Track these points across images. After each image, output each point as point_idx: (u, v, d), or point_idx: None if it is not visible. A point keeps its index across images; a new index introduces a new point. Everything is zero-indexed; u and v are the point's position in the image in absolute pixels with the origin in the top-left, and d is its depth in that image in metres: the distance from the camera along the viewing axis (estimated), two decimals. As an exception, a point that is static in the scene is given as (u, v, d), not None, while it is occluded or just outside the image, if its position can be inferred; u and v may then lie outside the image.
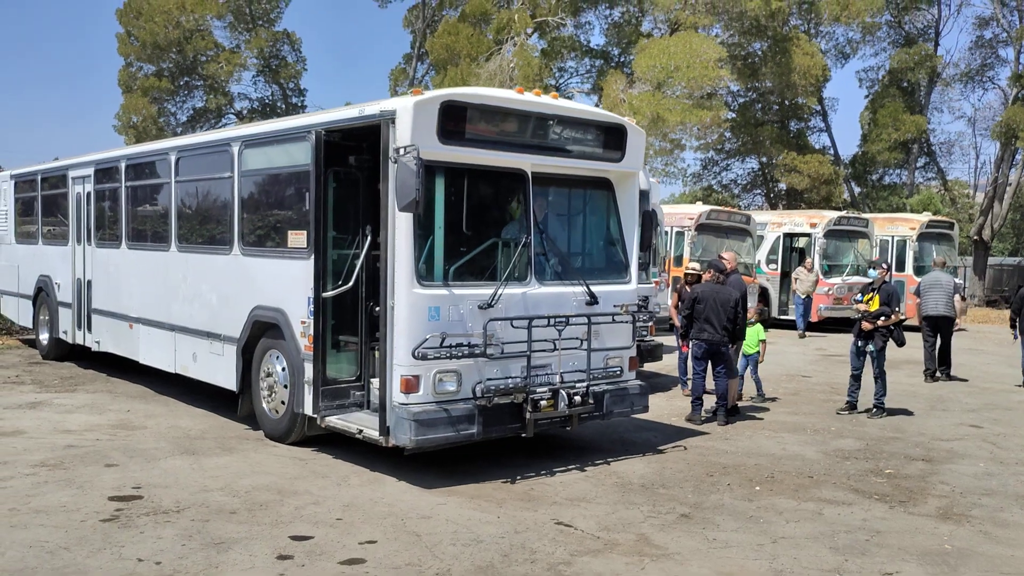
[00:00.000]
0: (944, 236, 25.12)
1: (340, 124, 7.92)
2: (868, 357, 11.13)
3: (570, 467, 8.08)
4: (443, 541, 5.99)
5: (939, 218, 26.77)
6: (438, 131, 7.23)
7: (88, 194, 12.71)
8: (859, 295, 11.40)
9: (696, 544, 6.11)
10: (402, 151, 6.86)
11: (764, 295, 23.16)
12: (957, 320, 14.78)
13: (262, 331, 8.94)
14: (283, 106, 43.69)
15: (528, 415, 7.58)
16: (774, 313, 23.54)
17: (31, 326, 14.75)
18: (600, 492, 7.32)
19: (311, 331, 7.97)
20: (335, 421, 7.90)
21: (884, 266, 11.66)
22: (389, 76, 43.38)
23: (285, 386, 8.57)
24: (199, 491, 7.02)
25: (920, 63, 38.06)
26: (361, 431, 7.55)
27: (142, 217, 11.58)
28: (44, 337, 14.22)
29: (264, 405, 8.97)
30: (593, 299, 8.26)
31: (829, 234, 22.88)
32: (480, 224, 8.07)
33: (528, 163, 8.03)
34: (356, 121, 7.68)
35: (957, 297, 14.62)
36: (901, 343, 11.22)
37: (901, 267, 24.07)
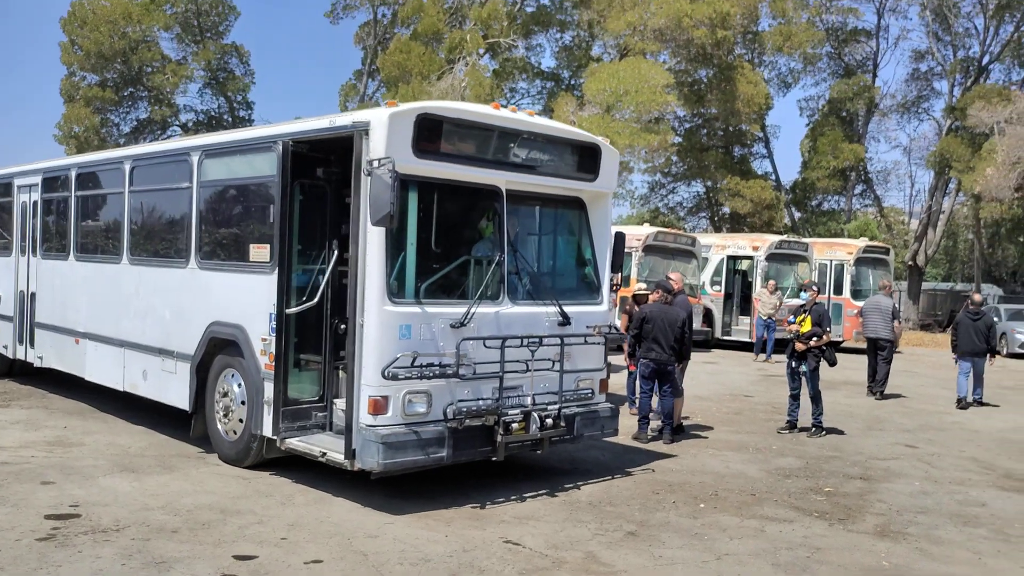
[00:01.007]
0: (880, 261, 25.87)
1: (308, 135, 7.70)
2: (803, 377, 11.40)
3: (521, 486, 8.09)
4: (390, 560, 5.95)
5: (875, 244, 27.57)
6: (413, 144, 7.08)
7: (35, 203, 12.28)
8: (792, 317, 11.68)
9: (642, 561, 6.17)
10: (376, 164, 6.67)
11: (708, 316, 23.57)
12: (895, 343, 15.34)
13: (219, 348, 8.63)
14: (229, 119, 43.23)
15: (499, 438, 7.39)
16: (717, 334, 23.96)
17: None
18: (548, 510, 7.34)
19: (272, 348, 7.70)
20: (296, 443, 7.62)
21: (815, 288, 11.96)
22: (339, 92, 43.38)
23: (243, 404, 8.26)
24: (139, 509, 6.87)
25: (858, 94, 39.27)
26: (324, 454, 7.27)
27: (92, 228, 11.23)
28: None
29: (219, 426, 8.62)
30: (566, 320, 8.12)
31: (770, 257, 23.44)
32: (452, 241, 7.96)
33: (503, 180, 7.91)
34: (326, 132, 7.48)
35: (896, 322, 15.25)
36: (832, 363, 11.57)
37: (839, 290, 24.73)
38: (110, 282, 10.44)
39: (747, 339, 23.52)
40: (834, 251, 25.47)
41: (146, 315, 9.72)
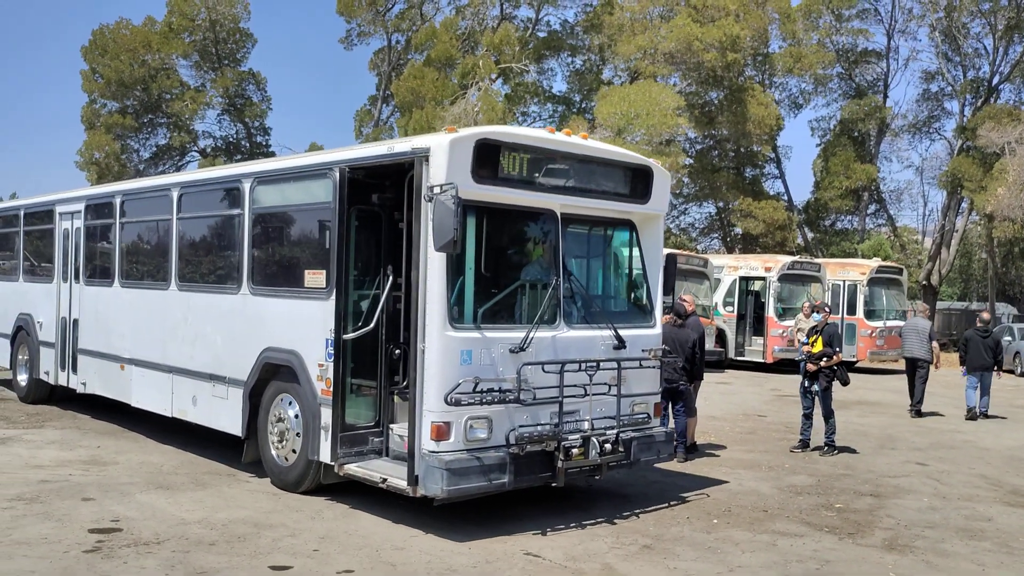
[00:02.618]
0: (893, 281, 26.02)
1: (366, 161, 7.75)
2: (816, 396, 11.64)
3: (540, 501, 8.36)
4: (418, 571, 6.25)
5: (888, 264, 27.73)
6: (472, 170, 7.06)
7: (77, 230, 12.31)
8: (804, 337, 11.94)
9: (658, 572, 6.45)
10: (438, 189, 6.68)
11: (721, 336, 23.79)
12: (934, 363, 15.93)
13: (272, 374, 8.60)
14: (247, 145, 43.97)
15: (560, 463, 7.31)
16: (730, 354, 24.15)
17: (8, 366, 14.16)
18: (566, 524, 7.61)
19: (329, 374, 7.70)
20: (355, 469, 7.55)
21: (827, 309, 12.22)
22: (355, 117, 44.01)
23: (297, 433, 8.22)
24: (177, 524, 7.20)
25: (870, 114, 39.60)
26: (385, 480, 7.21)
27: (138, 254, 11.25)
28: (23, 378, 13.62)
29: (273, 452, 8.57)
30: (621, 343, 8.06)
31: (783, 278, 23.66)
32: (508, 265, 8.02)
33: (557, 203, 7.90)
34: (384, 158, 7.53)
35: (934, 343, 15.83)
36: (845, 383, 11.79)
37: (852, 311, 24.85)
38: (157, 308, 10.44)
39: (760, 359, 23.71)
40: (847, 271, 25.64)
41: (195, 341, 9.69)
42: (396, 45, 42.66)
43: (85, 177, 39.30)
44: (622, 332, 8.13)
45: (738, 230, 41.30)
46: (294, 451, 8.31)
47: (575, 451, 7.42)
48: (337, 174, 7.79)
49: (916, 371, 15.92)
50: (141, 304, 10.82)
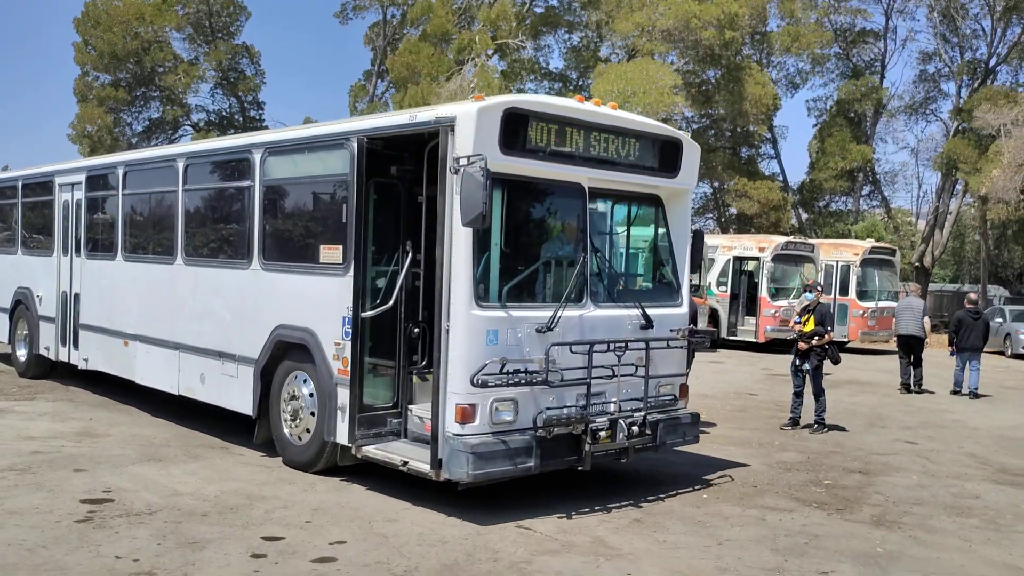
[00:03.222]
0: (886, 262, 26.08)
1: (386, 131, 7.46)
2: (806, 375, 11.70)
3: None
4: (410, 542, 6.29)
5: (882, 245, 27.78)
6: (500, 140, 6.77)
7: (78, 202, 12.02)
8: (797, 317, 11.99)
9: (648, 545, 6.50)
10: (466, 161, 6.44)
11: (714, 316, 23.86)
12: (926, 339, 16.65)
13: (284, 352, 8.37)
14: (240, 119, 43.69)
15: (587, 447, 7.14)
16: (723, 334, 24.22)
17: (7, 341, 13.92)
18: (557, 498, 7.66)
19: (346, 353, 7.48)
20: (374, 451, 7.37)
21: (819, 288, 12.28)
22: (349, 92, 43.76)
23: (312, 412, 8.01)
24: (169, 495, 7.23)
25: (866, 95, 39.46)
26: (406, 463, 7.03)
27: (143, 228, 10.97)
28: (22, 353, 13.41)
29: (285, 430, 8.33)
30: (648, 323, 7.87)
31: (776, 258, 23.69)
32: (534, 241, 7.79)
33: (585, 177, 7.63)
34: (406, 128, 7.24)
35: (926, 319, 16.48)
36: (836, 361, 11.88)
37: (845, 291, 24.93)
38: (163, 283, 10.16)
39: (752, 339, 23.79)
40: (840, 252, 25.69)
41: (203, 317, 9.44)
42: (391, 19, 42.36)
43: (78, 150, 39.08)
44: (649, 311, 7.93)
45: (733, 210, 41.25)
46: (308, 430, 8.10)
47: (602, 434, 7.26)
48: (355, 144, 7.50)
49: (912, 348, 16.36)
50: (146, 279, 10.56)
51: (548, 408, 7.08)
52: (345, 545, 6.16)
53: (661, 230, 8.61)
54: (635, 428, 7.51)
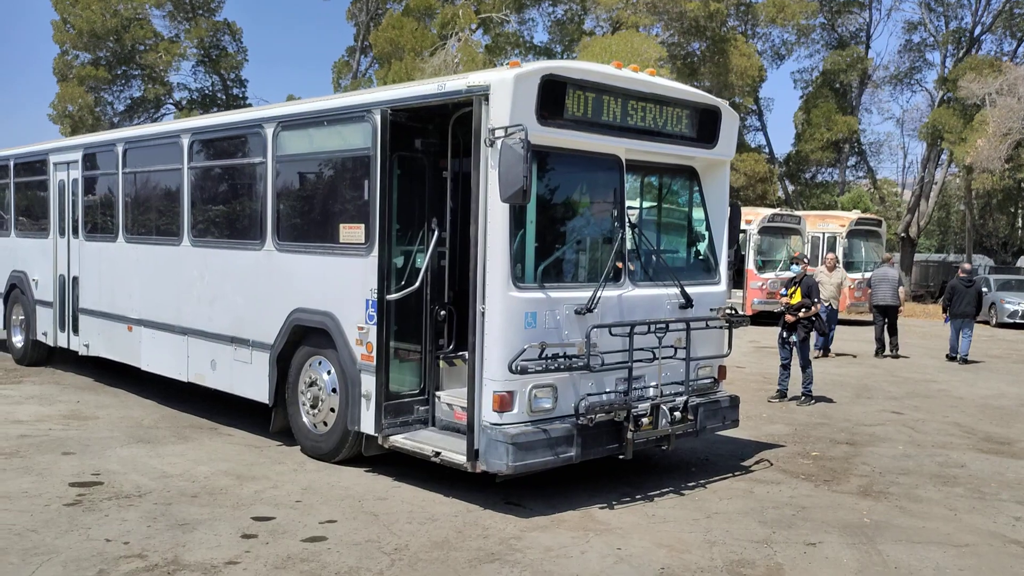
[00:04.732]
0: (872, 233, 26.20)
1: (412, 102, 6.99)
2: (793, 347, 11.77)
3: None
4: (400, 520, 6.31)
5: (868, 216, 27.90)
6: (537, 110, 6.37)
7: (74, 181, 11.51)
8: (783, 289, 12.04)
9: (636, 519, 6.54)
10: (503, 132, 6.07)
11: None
12: (900, 308, 17.29)
13: (302, 337, 7.98)
14: (223, 97, 43.26)
15: (630, 434, 6.80)
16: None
17: (1, 327, 13.51)
18: (547, 474, 7.68)
19: (371, 338, 7.09)
20: (402, 441, 7.02)
21: (805, 260, 12.33)
22: (332, 68, 43.33)
23: (333, 401, 7.67)
24: (159, 477, 7.22)
25: (852, 65, 39.45)
26: (439, 453, 6.66)
27: (145, 208, 10.47)
28: (18, 339, 13.03)
29: (305, 419, 7.95)
30: (688, 302, 7.56)
31: (763, 230, 23.72)
32: (570, 218, 7.40)
33: (622, 148, 7.22)
34: (434, 98, 6.79)
35: (902, 288, 17.21)
36: (822, 333, 11.94)
37: (832, 262, 24.98)
38: (168, 265, 9.76)
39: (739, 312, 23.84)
40: (827, 223, 25.79)
41: (213, 301, 9.03)
42: (374, -5, 41.90)
43: (59, 131, 38.63)
44: (688, 290, 7.62)
45: (719, 183, 41.23)
46: (328, 420, 7.76)
47: (645, 420, 6.97)
48: (378, 116, 7.06)
49: (888, 317, 17.08)
50: (150, 261, 10.13)
51: (589, 394, 6.77)
52: (335, 524, 6.17)
53: (697, 204, 8.25)
54: (677, 413, 7.21)
